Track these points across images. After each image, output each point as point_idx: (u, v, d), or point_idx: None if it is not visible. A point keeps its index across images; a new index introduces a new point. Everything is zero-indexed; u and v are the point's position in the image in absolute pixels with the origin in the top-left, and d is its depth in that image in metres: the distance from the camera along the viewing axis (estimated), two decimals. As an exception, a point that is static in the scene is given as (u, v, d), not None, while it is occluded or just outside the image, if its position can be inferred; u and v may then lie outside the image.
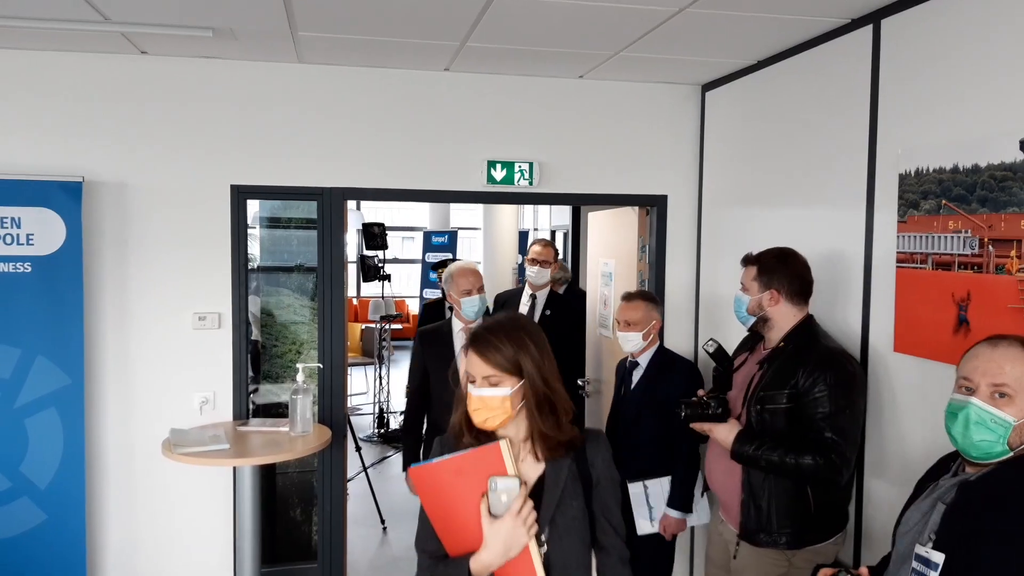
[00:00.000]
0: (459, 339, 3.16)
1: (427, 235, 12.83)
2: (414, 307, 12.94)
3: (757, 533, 2.50)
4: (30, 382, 3.12)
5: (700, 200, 3.75)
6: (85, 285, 3.19)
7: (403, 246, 14.73)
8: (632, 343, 3.15)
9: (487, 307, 3.32)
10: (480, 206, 11.81)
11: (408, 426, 3.36)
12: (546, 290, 4.23)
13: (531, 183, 3.60)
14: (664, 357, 3.20)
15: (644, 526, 3.10)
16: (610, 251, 4.23)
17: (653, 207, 3.77)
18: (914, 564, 1.65)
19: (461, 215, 14.04)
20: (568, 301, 4.46)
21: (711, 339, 2.60)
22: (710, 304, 3.69)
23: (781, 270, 2.54)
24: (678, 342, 3.79)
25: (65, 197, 3.13)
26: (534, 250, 4.25)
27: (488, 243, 9.87)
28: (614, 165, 3.71)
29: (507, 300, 4.50)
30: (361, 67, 3.47)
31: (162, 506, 3.39)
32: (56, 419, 3.15)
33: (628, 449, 3.08)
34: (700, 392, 2.68)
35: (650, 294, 3.37)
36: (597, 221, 4.47)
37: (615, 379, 3.36)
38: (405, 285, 13.50)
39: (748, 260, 2.61)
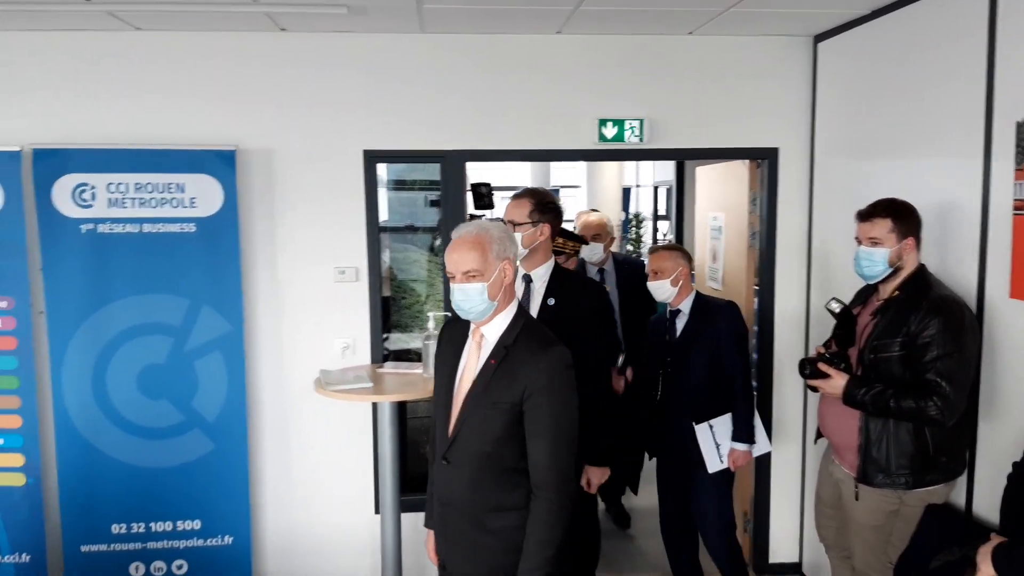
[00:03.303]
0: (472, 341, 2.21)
1: (529, 193, 12.99)
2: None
3: (876, 475, 2.62)
4: (198, 328, 3.54)
5: (812, 152, 3.78)
6: (241, 243, 3.57)
7: (503, 206, 14.95)
8: (662, 291, 3.28)
9: (489, 302, 2.11)
10: (583, 163, 11.88)
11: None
12: (544, 268, 2.93)
13: (641, 139, 3.72)
14: (704, 301, 3.34)
15: (714, 463, 3.25)
16: (719, 205, 4.31)
17: (764, 160, 3.83)
18: None
19: (562, 173, 14.12)
20: (582, 283, 3.21)
21: (834, 299, 2.70)
22: (822, 257, 3.74)
23: (913, 218, 2.63)
24: (788, 297, 3.87)
25: (222, 164, 3.49)
26: (507, 209, 3.01)
27: (591, 201, 9.96)
28: (724, 119, 3.78)
29: None
30: (477, 34, 3.66)
31: (310, 439, 3.78)
32: (221, 361, 3.56)
33: (688, 392, 3.25)
34: (818, 349, 2.80)
35: (671, 244, 3.47)
36: (705, 175, 4.54)
37: (648, 335, 3.48)
38: (508, 243, 13.78)
39: (873, 214, 2.63)
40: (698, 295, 3.36)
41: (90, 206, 3.43)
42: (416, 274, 4.20)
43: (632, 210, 11.08)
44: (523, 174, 14.40)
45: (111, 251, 3.46)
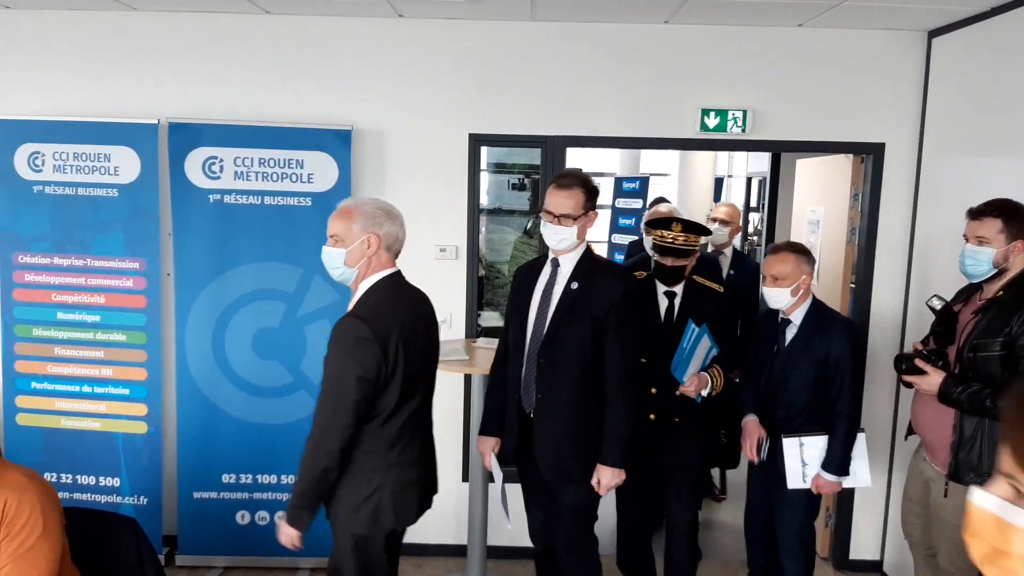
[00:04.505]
0: None
1: (618, 180, 12.95)
2: (601, 251, 13.20)
3: (967, 473, 2.62)
4: (309, 297, 3.77)
5: (920, 149, 3.71)
6: (351, 218, 3.77)
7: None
8: (779, 299, 2.98)
9: (345, 267, 2.41)
10: (675, 151, 11.74)
11: None
12: (574, 254, 2.80)
13: (744, 130, 3.74)
14: (819, 313, 3.03)
15: (795, 481, 3.03)
16: (819, 199, 4.28)
17: (869, 155, 3.79)
18: None
19: (652, 160, 13.97)
20: (611, 269, 2.96)
21: (936, 296, 2.69)
22: (923, 255, 3.69)
23: None
24: (885, 294, 3.83)
25: (338, 143, 3.70)
26: (548, 194, 2.79)
27: (683, 190, 9.87)
28: (830, 112, 3.76)
29: (526, 270, 2.98)
30: (586, 23, 3.74)
31: (406, 408, 3.98)
32: (328, 328, 3.72)
33: (784, 407, 3.05)
34: (915, 345, 2.79)
35: (801, 245, 3.10)
36: (806, 168, 4.51)
37: (761, 332, 3.20)
38: (593, 230, 13.76)
39: (984, 212, 2.61)
40: (814, 304, 3.06)
41: (218, 178, 3.70)
42: (511, 254, 4.33)
43: (722, 200, 10.95)
44: (612, 160, 14.35)
45: (235, 220, 3.72)
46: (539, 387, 2.80)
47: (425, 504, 2.61)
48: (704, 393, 3.08)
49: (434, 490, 2.69)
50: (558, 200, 2.73)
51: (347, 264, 2.40)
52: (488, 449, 3.00)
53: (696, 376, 3.06)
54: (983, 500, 0.89)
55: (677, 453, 3.19)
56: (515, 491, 3.08)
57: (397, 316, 2.38)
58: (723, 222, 4.39)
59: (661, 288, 3.20)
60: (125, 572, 2.49)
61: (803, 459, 3.04)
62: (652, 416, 3.13)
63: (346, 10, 3.65)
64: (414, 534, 4.01)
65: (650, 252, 3.32)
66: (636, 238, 4.74)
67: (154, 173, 3.69)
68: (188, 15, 3.74)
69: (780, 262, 2.98)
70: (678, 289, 3.20)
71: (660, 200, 4.84)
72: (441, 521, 4.04)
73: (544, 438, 2.81)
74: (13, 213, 3.77)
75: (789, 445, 3.04)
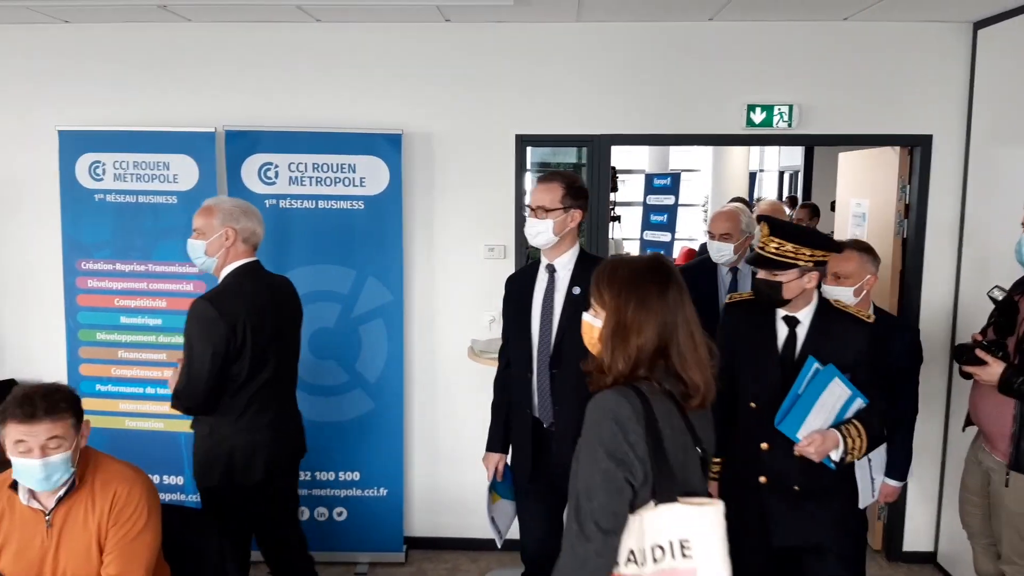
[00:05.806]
0: None
1: (648, 177, 12.94)
2: (634, 249, 13.20)
3: None
4: (363, 297, 3.85)
5: (968, 140, 3.71)
6: (403, 220, 3.85)
7: (623, 188, 14.89)
8: (841, 299, 2.72)
9: (206, 256, 2.77)
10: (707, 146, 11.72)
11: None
12: (567, 258, 2.68)
13: (790, 125, 3.76)
14: (881, 320, 2.79)
15: (867, 498, 2.87)
16: (863, 191, 4.29)
17: (916, 147, 3.79)
18: None
19: (683, 156, 13.96)
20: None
21: (997, 287, 2.71)
22: (974, 246, 3.68)
23: None
24: (935, 286, 3.83)
25: (388, 147, 3.78)
26: (534, 191, 2.72)
27: (716, 185, 9.86)
28: (877, 105, 3.77)
29: (518, 279, 2.86)
30: (630, 22, 3.78)
31: (455, 404, 4.06)
32: (382, 328, 3.87)
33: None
34: (975, 336, 2.80)
35: (866, 244, 2.99)
36: (849, 161, 4.52)
37: None
38: (625, 228, 13.76)
39: None
40: (875, 311, 2.93)
41: (273, 183, 3.80)
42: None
43: (756, 195, 10.92)
44: (641, 157, 14.34)
45: (290, 225, 3.81)
46: (555, 400, 2.67)
47: (276, 464, 2.85)
48: (835, 457, 2.36)
49: (301, 452, 3.04)
50: (535, 194, 2.68)
51: (207, 254, 2.72)
52: (493, 465, 2.96)
53: (819, 434, 2.33)
54: (587, 318, 1.75)
55: (801, 533, 2.49)
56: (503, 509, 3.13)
57: (246, 298, 2.69)
58: (724, 237, 3.53)
59: (780, 312, 2.49)
60: (208, 567, 2.58)
61: (872, 475, 2.94)
62: (763, 479, 2.50)
63: (395, 17, 3.73)
64: (470, 530, 4.12)
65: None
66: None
67: (212, 180, 3.79)
68: (241, 25, 3.84)
69: (843, 260, 2.87)
70: (802, 315, 2.47)
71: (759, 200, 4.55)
72: (494, 516, 4.11)
73: (567, 450, 2.64)
74: (76, 221, 3.90)
75: (859, 465, 2.80)
